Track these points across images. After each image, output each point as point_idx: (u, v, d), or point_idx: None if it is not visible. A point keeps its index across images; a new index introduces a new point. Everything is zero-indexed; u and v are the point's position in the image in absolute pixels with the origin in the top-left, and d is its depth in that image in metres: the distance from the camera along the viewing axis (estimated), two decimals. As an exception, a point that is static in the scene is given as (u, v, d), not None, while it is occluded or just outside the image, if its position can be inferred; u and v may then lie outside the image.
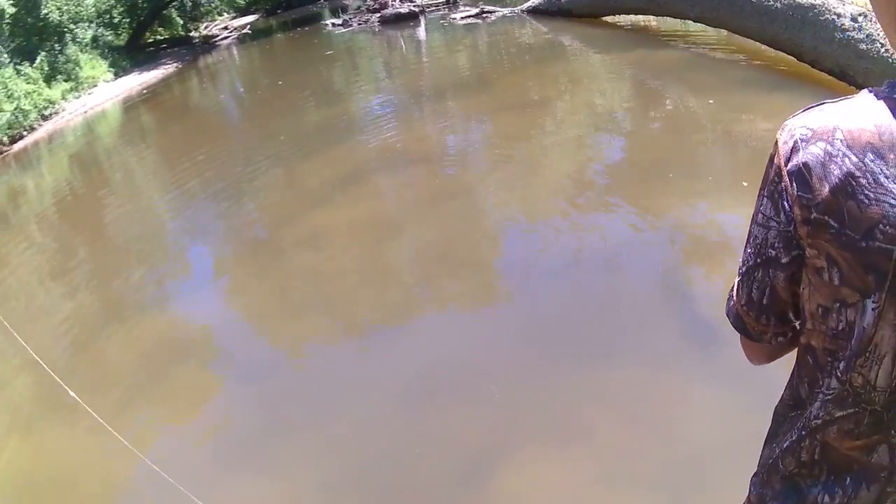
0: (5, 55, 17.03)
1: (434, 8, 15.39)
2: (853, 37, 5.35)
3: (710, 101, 5.87)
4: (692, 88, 6.37)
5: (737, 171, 4.58)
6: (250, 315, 4.16)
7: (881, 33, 5.16)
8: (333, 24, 17.59)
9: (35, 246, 7.09)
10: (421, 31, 13.87)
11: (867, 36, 5.28)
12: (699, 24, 7.95)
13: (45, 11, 20.11)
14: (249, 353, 3.71)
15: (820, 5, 5.73)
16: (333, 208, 5.00)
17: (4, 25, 18.07)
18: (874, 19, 5.16)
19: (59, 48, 20.22)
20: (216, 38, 29.84)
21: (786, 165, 0.70)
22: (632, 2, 8.85)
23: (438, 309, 3.79)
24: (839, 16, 5.53)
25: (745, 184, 4.22)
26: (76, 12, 22.11)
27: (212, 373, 3.63)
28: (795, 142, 0.70)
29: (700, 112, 5.89)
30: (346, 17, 17.64)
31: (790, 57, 6.14)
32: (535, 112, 6.40)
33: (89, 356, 3.95)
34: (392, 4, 15.61)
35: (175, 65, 22.28)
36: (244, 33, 29.57)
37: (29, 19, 19.72)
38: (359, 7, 19.83)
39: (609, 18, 9.57)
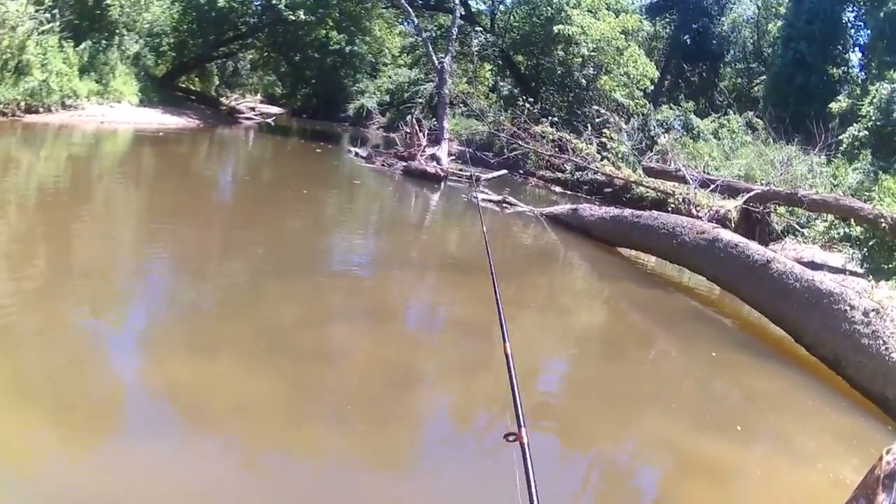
0: (57, 23, 16.26)
1: (457, 178, 15.50)
2: (858, 330, 5.28)
3: (714, 354, 5.80)
4: (685, 337, 6.41)
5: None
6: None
7: (887, 331, 5.15)
8: (357, 154, 17.61)
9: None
10: (435, 197, 13.79)
11: (872, 332, 5.20)
12: (696, 278, 8.05)
13: (108, 1, 19.40)
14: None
15: (838, 294, 5.68)
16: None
17: None
18: (886, 317, 5.17)
19: (104, 45, 19.46)
20: (241, 115, 30.70)
21: (883, 478, 0.97)
22: (654, 244, 8.56)
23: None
24: (852, 307, 5.48)
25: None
26: (133, 20, 21.61)
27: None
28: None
29: (687, 362, 5.82)
30: (372, 152, 17.62)
31: (779, 331, 6.23)
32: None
33: None
34: (419, 159, 15.51)
35: (196, 121, 22.57)
36: (266, 122, 30.48)
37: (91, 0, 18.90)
38: (378, 147, 19.84)
39: (622, 250, 9.46)
